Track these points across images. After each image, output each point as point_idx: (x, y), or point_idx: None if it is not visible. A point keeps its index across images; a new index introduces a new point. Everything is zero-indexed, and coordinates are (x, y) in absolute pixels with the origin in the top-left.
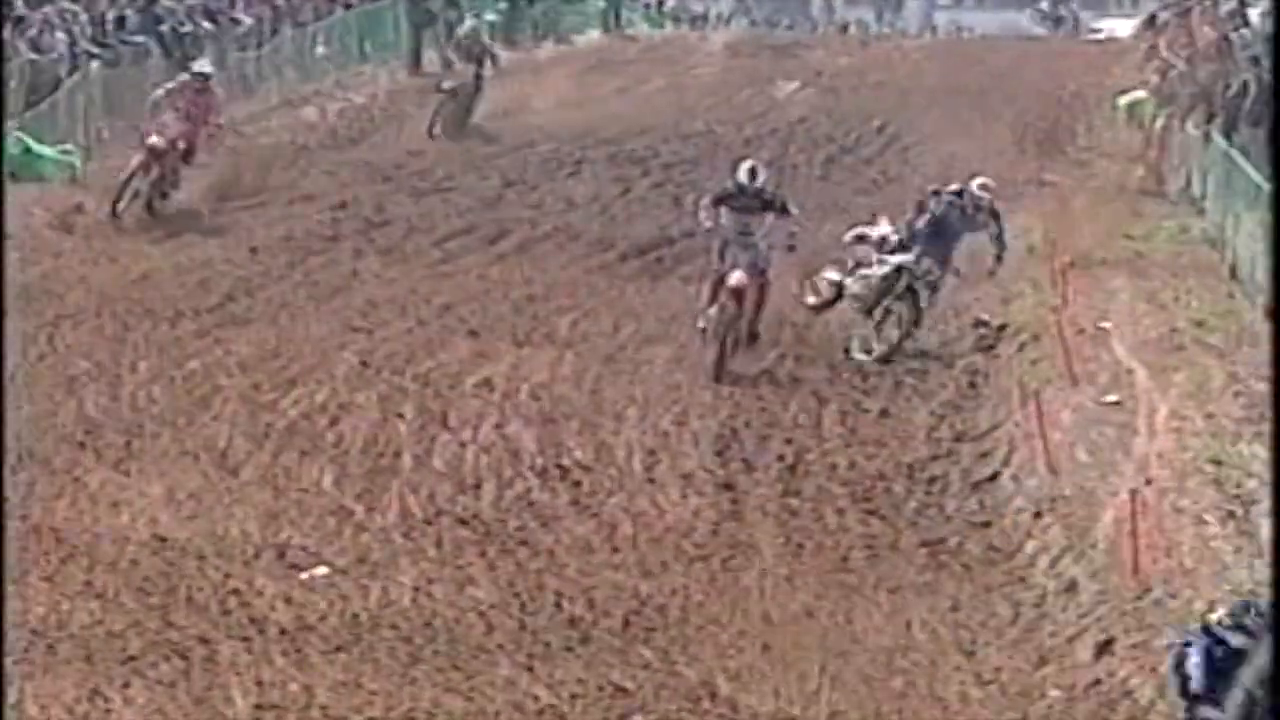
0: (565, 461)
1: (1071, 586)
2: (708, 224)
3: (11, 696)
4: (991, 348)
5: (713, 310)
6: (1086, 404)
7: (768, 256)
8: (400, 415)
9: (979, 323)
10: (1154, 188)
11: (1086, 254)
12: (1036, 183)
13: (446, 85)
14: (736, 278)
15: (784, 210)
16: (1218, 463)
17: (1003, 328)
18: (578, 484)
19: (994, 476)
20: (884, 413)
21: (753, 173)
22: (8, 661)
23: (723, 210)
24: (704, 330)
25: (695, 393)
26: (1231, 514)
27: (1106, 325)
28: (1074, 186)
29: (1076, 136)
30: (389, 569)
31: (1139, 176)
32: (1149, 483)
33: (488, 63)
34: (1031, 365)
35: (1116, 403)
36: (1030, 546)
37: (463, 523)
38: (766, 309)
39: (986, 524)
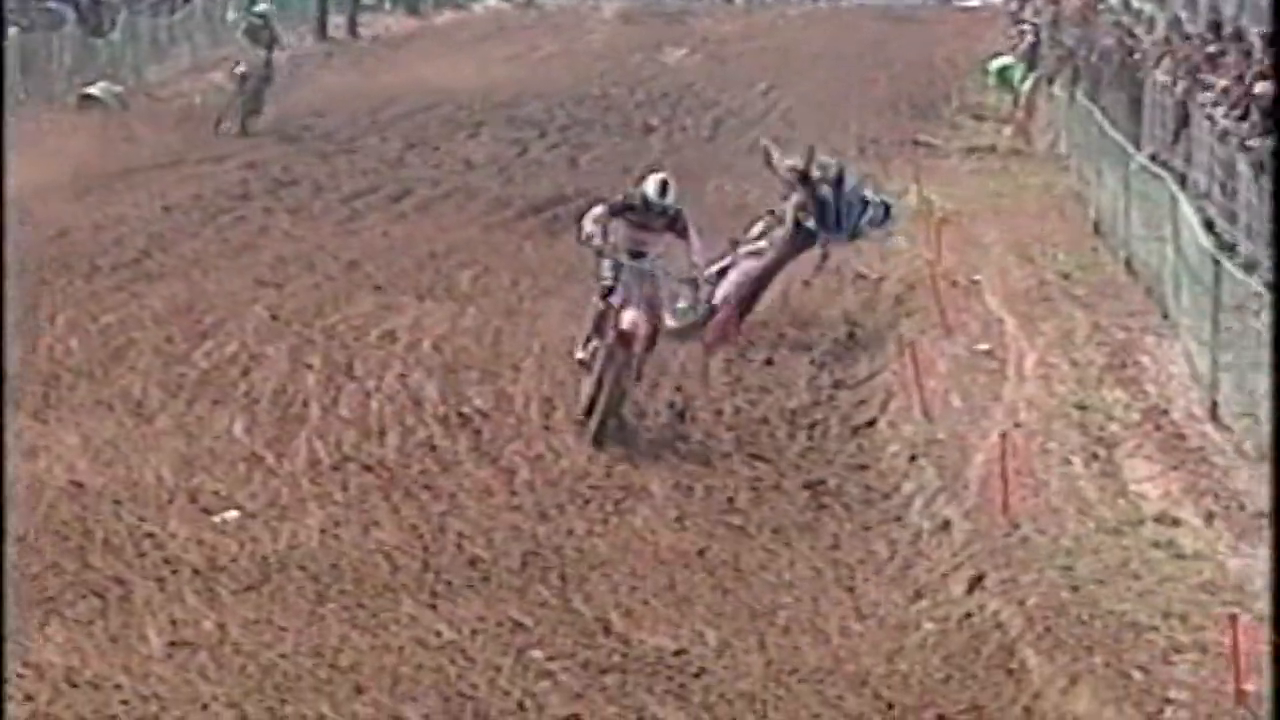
0: (466, 410)
1: (945, 525)
2: (595, 241)
3: None
4: (870, 299)
5: (597, 345)
6: (959, 353)
7: (662, 294)
8: (308, 366)
9: (858, 276)
10: (1023, 147)
11: (959, 210)
12: (912, 143)
13: (238, 69)
14: (629, 319)
15: (684, 233)
16: (1082, 407)
17: (881, 281)
18: (478, 431)
19: (872, 422)
20: (768, 362)
21: (663, 187)
22: None
23: (618, 224)
24: (583, 362)
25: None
26: (1095, 455)
27: (978, 278)
28: (947, 147)
29: (950, 99)
30: (297, 512)
31: (1008, 137)
32: (1018, 426)
33: (274, 50)
34: (908, 317)
35: (988, 351)
36: (906, 488)
37: (368, 469)
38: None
39: (864, 467)
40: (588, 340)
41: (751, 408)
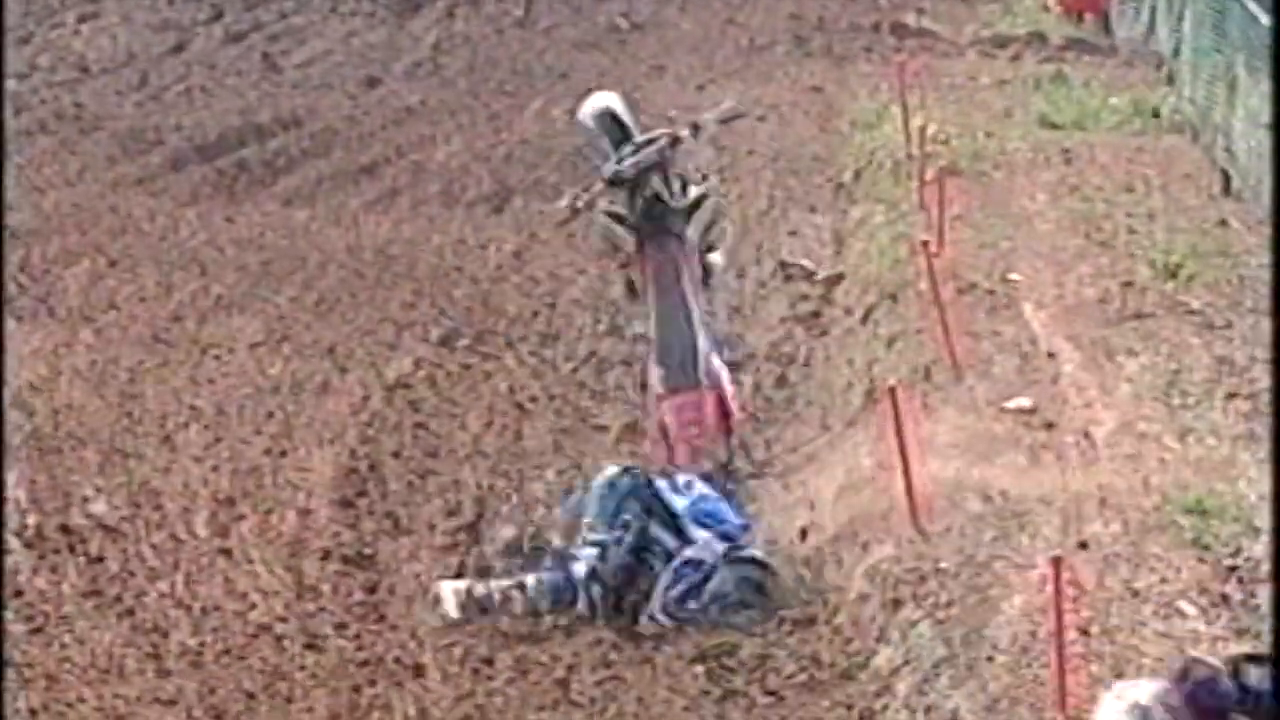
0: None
1: None
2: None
3: None
4: (817, 315)
5: None
6: (978, 411)
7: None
8: None
9: (794, 271)
10: (1090, 35)
11: (978, 153)
12: (891, 28)
13: None
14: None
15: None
16: (1200, 511)
17: (836, 280)
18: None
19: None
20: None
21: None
22: None
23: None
24: None
25: None
26: (1223, 599)
27: (1014, 277)
28: (956, 35)
29: None
30: None
31: (1066, 18)
32: (1083, 548)
33: None
34: (886, 346)
35: (1029, 410)
36: (882, 658)
37: None
38: None
39: (810, 621)
40: None
41: None
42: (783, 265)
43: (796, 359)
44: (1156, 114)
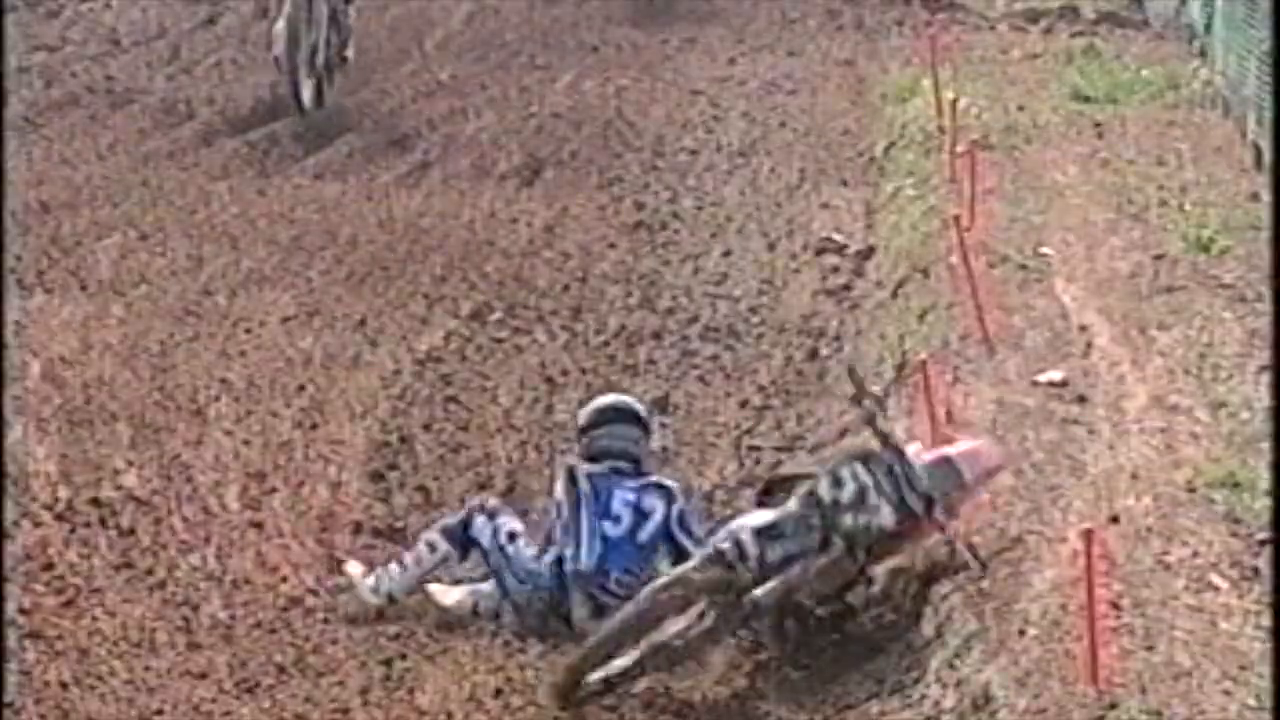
0: None
1: (985, 701)
2: None
3: None
4: (848, 288)
5: None
6: (1010, 385)
7: None
8: None
9: (826, 245)
10: (1126, 11)
11: (1010, 127)
12: (923, 2)
13: None
14: None
15: None
16: (1233, 485)
17: (867, 253)
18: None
19: None
20: (661, 406)
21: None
22: None
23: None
24: None
25: None
26: (1255, 572)
27: (1045, 250)
28: (988, 10)
29: None
30: None
31: None
32: (1114, 522)
33: None
34: (917, 320)
35: (1061, 383)
36: (915, 632)
37: None
38: None
39: (839, 594)
40: None
41: None
42: (821, 240)
43: (827, 333)
44: (1188, 82)
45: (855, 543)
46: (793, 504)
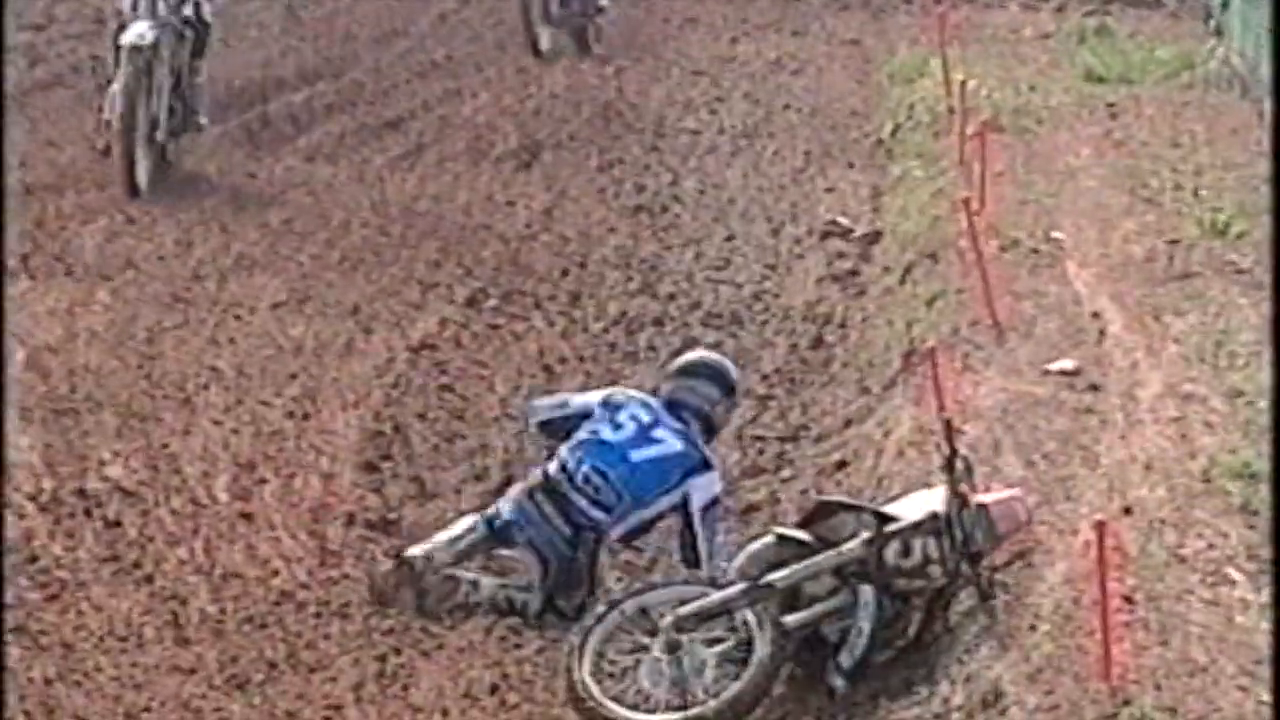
0: None
1: (995, 698)
2: None
3: None
4: (854, 274)
5: None
6: (1020, 374)
7: None
8: None
9: (831, 229)
10: None
11: (1021, 108)
12: None
13: None
14: None
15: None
16: (1248, 475)
17: (874, 237)
18: None
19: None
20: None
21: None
22: None
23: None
24: None
25: None
26: (1272, 565)
27: (1057, 235)
28: None
29: None
30: None
31: None
32: (1127, 513)
33: None
34: (926, 306)
35: (1073, 372)
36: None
37: None
38: None
39: None
40: None
41: None
42: (826, 224)
43: (833, 319)
44: (1206, 62)
45: (894, 596)
46: (842, 552)
